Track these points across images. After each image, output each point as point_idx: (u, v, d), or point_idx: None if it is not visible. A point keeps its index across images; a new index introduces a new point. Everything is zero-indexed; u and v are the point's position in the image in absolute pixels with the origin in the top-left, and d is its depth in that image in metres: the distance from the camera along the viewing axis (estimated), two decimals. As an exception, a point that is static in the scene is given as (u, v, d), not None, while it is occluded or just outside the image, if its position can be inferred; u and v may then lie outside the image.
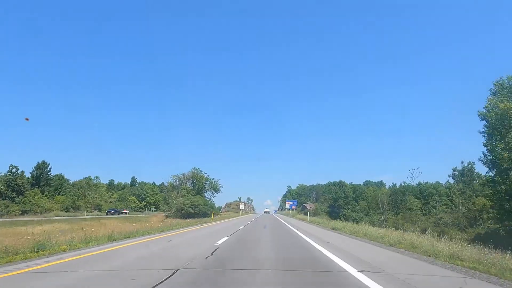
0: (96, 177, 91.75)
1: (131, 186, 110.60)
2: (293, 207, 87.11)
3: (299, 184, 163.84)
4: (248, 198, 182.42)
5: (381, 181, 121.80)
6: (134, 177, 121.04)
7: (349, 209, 63.57)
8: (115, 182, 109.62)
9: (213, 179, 60.27)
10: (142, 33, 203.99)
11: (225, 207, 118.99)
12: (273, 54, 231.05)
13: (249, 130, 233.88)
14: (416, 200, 67.49)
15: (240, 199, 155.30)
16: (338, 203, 65.06)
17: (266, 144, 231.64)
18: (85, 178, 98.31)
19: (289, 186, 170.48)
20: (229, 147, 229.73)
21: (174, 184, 57.10)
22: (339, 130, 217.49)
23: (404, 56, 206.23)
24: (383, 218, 55.17)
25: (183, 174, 57.83)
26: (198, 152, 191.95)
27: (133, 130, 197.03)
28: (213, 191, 60.12)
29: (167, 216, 51.48)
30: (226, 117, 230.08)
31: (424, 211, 66.79)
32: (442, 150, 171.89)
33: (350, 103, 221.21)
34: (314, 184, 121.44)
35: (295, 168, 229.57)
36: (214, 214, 51.05)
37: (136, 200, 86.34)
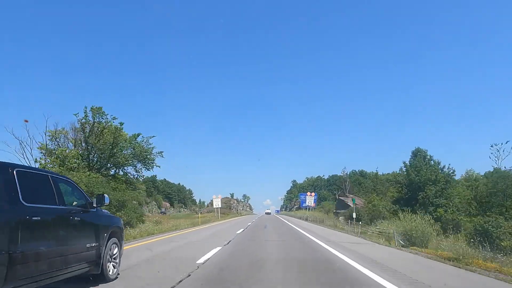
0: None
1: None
2: (313, 204, 54.32)
3: (306, 178, 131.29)
4: (244, 195, 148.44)
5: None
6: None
7: (444, 206, 30.60)
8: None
9: (142, 139, 25.93)
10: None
11: (209, 205, 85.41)
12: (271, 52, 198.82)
13: (248, 128, 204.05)
14: None
15: (232, 195, 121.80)
16: (421, 196, 32.02)
17: (265, 143, 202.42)
18: None
19: (294, 181, 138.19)
20: (228, 145, 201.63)
21: (53, 150, 23.22)
22: (339, 126, 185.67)
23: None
24: None
25: (78, 121, 24.04)
26: (193, 148, 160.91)
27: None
28: (141, 166, 25.58)
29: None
30: (224, 115, 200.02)
31: None
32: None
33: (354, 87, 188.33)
34: (338, 174, 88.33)
35: (296, 166, 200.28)
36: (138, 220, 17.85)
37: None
